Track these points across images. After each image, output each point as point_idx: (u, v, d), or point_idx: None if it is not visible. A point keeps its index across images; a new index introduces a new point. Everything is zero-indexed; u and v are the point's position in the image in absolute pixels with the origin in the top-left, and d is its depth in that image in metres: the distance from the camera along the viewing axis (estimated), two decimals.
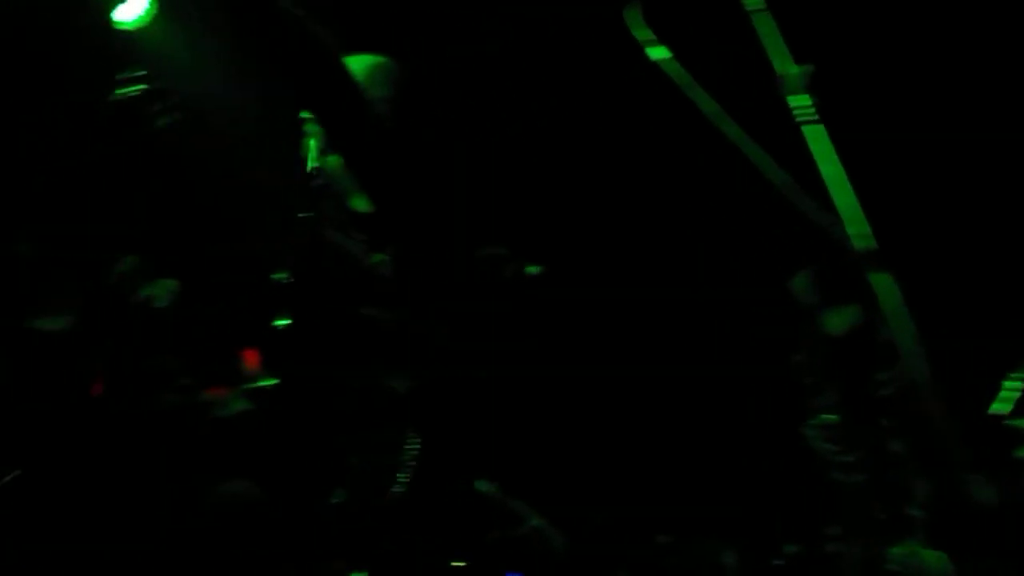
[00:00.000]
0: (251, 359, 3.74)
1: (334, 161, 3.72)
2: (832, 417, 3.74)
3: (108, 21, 3.69)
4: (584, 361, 4.43)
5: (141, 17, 3.62)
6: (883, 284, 3.22)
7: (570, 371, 4.42)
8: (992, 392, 3.63)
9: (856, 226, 3.15)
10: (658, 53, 2.06)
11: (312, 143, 3.67)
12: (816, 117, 2.90)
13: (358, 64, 3.92)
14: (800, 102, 2.84)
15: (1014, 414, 3.54)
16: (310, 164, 3.64)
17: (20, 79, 3.75)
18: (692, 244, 4.68)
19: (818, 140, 2.91)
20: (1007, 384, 3.57)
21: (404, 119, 3.87)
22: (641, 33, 2.05)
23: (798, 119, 2.88)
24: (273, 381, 3.73)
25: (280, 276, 3.59)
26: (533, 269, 4.13)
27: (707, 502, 4.26)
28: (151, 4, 3.58)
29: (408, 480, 3.72)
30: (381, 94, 3.88)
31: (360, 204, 3.80)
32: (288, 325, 3.56)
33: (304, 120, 3.70)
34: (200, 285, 3.88)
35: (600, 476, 4.43)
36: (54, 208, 3.90)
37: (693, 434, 4.49)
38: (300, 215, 3.59)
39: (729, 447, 4.45)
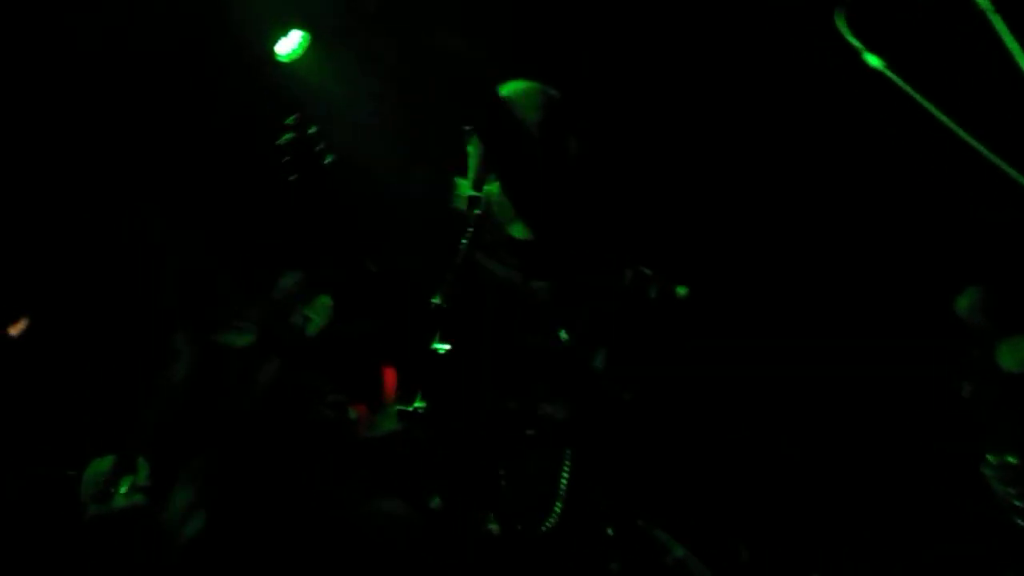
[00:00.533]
0: (391, 379, 3.85)
1: (492, 187, 3.74)
2: (1012, 458, 3.34)
3: (270, 54, 3.93)
4: (740, 386, 4.24)
5: (296, 50, 3.81)
6: None
7: (726, 397, 4.24)
8: None
9: None
10: (874, 60, 1.88)
11: (472, 169, 3.71)
12: None
13: (511, 90, 3.92)
14: None
15: None
16: (467, 190, 3.68)
17: (194, 108, 4.07)
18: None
19: None
20: None
21: (558, 144, 3.83)
22: (852, 39, 1.88)
23: None
24: (422, 404, 3.79)
25: (436, 300, 3.65)
26: (682, 291, 3.97)
27: (874, 543, 3.96)
28: (305, 37, 3.75)
29: (561, 508, 3.69)
30: (535, 120, 3.85)
31: (518, 231, 3.79)
32: (444, 351, 3.60)
33: (464, 145, 3.75)
34: (356, 305, 4.04)
35: (750, 508, 4.23)
36: (231, 229, 4.20)
37: (863, 470, 4.18)
38: (460, 240, 3.63)
39: (898, 482, 4.10)
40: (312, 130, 3.45)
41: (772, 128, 4.67)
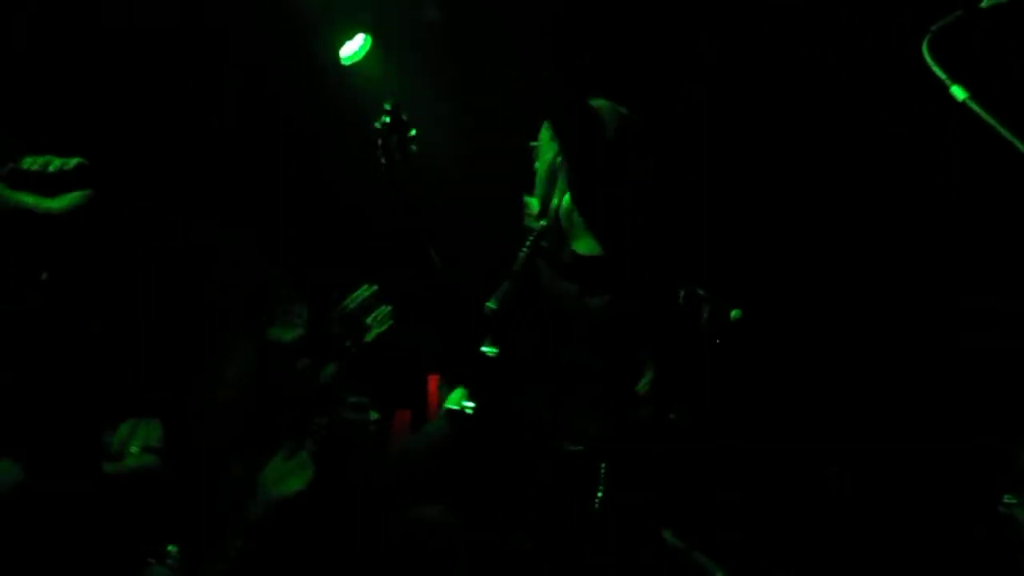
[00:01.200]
0: (434, 387, 3.84)
1: (563, 200, 3.71)
2: None
3: (336, 59, 3.95)
4: (781, 413, 4.19)
5: (358, 53, 3.82)
6: None
7: (772, 424, 4.19)
8: None
9: None
10: (959, 92, 1.83)
11: (540, 184, 3.70)
12: None
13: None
14: None
15: None
16: (536, 204, 3.67)
17: (258, 115, 4.10)
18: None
19: None
20: None
21: (633, 163, 3.81)
22: (938, 70, 1.83)
23: None
24: (472, 405, 3.78)
25: (491, 304, 3.64)
26: (736, 314, 3.92)
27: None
28: (366, 40, 3.77)
29: (594, 526, 3.65)
30: (609, 137, 3.84)
31: (583, 246, 3.76)
32: (493, 354, 3.59)
33: (530, 162, 3.74)
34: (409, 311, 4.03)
35: (792, 534, 4.17)
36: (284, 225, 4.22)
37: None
38: (520, 249, 3.62)
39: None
40: (406, 115, 3.46)
41: (845, 158, 4.61)
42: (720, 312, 3.90)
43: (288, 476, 3.20)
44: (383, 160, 3.44)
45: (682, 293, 3.97)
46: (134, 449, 2.06)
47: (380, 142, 3.45)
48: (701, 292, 3.95)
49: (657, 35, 4.59)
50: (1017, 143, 1.67)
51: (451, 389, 3.83)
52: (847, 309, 4.79)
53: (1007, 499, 3.36)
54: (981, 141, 1.70)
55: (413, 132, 3.46)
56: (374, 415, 3.89)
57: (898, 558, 4.28)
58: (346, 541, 3.45)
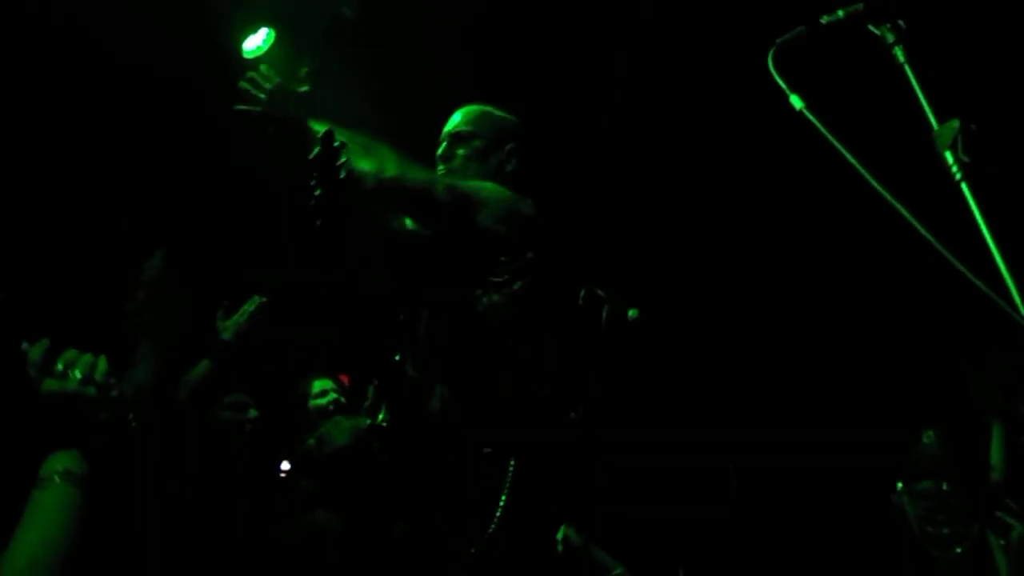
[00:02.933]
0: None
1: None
2: (928, 483, 3.35)
3: (238, 52, 3.92)
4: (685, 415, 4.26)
5: (261, 47, 3.80)
6: None
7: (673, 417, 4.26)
8: None
9: None
10: (797, 101, 1.90)
11: None
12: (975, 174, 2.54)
13: (468, 112, 3.91)
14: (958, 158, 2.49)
15: None
16: None
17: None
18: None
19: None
20: None
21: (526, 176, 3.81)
22: (780, 79, 1.91)
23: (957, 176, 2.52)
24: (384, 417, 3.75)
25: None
26: (633, 313, 3.97)
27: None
28: (270, 33, 3.75)
29: (496, 526, 3.66)
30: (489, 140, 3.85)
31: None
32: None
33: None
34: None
35: (692, 532, 4.25)
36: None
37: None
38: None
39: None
40: (338, 142, 3.42)
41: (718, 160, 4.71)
42: (618, 311, 3.95)
43: None
44: (317, 192, 3.42)
45: (582, 293, 4.01)
46: (77, 374, 2.07)
47: (314, 174, 3.42)
48: (600, 292, 3.99)
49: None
50: (844, 152, 1.74)
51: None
52: (744, 306, 4.89)
53: (899, 487, 3.47)
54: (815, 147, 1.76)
55: (344, 159, 3.44)
56: (253, 413, 3.87)
57: (794, 549, 4.38)
58: (232, 544, 3.45)
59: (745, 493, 4.35)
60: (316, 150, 3.39)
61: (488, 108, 3.75)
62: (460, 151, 3.60)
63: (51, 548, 1.93)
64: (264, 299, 3.87)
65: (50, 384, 2.05)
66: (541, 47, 4.87)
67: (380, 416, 3.59)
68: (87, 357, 2.10)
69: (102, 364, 2.11)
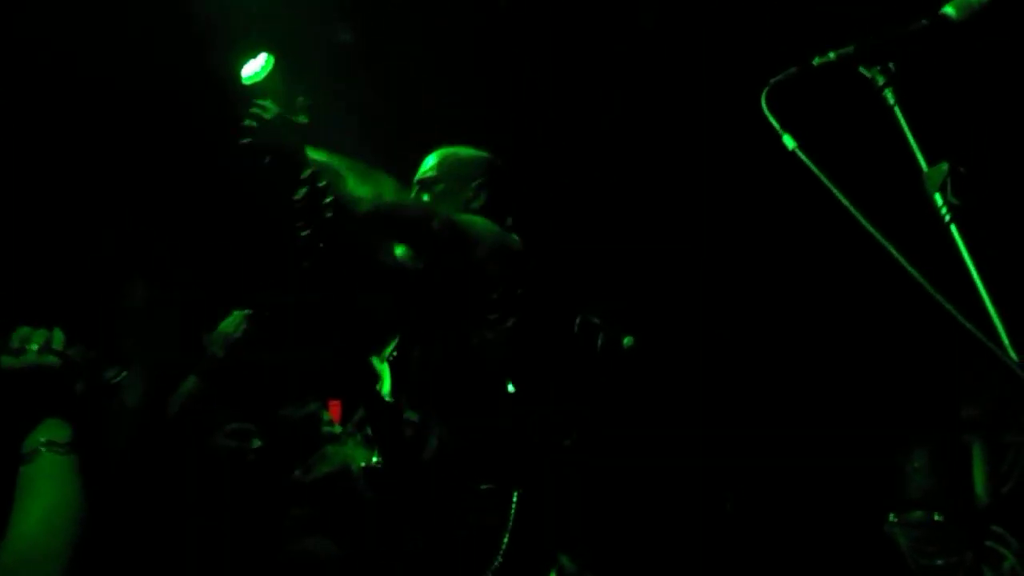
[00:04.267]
0: (335, 412, 3.82)
1: None
2: (919, 513, 3.36)
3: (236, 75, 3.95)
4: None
5: (259, 73, 3.81)
6: None
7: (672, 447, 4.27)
8: None
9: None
10: (790, 141, 1.93)
11: None
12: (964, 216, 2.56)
13: (453, 153, 3.95)
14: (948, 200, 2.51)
15: None
16: None
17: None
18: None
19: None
20: None
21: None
22: (773, 119, 1.94)
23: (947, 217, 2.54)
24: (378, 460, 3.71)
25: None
26: (628, 341, 3.97)
27: None
28: (268, 60, 3.76)
29: (501, 561, 3.64)
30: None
31: None
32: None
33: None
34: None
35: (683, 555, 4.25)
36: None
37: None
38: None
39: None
40: (323, 183, 3.44)
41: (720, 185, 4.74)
42: (614, 339, 3.96)
43: None
44: (304, 233, 3.45)
45: (577, 321, 4.01)
46: (34, 347, 2.07)
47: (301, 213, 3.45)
48: (595, 320, 4.00)
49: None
50: (836, 192, 1.77)
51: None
52: (737, 332, 4.91)
53: (891, 518, 3.47)
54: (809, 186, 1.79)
55: (329, 199, 3.46)
56: (256, 443, 3.84)
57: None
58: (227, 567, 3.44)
59: (741, 519, 4.36)
60: (302, 191, 3.42)
61: (454, 149, 3.78)
62: (425, 196, 3.64)
63: (59, 511, 1.93)
64: (249, 311, 3.87)
65: (7, 360, 2.05)
66: (539, 75, 4.91)
67: (374, 458, 3.57)
68: (41, 331, 2.11)
69: (58, 334, 2.11)
